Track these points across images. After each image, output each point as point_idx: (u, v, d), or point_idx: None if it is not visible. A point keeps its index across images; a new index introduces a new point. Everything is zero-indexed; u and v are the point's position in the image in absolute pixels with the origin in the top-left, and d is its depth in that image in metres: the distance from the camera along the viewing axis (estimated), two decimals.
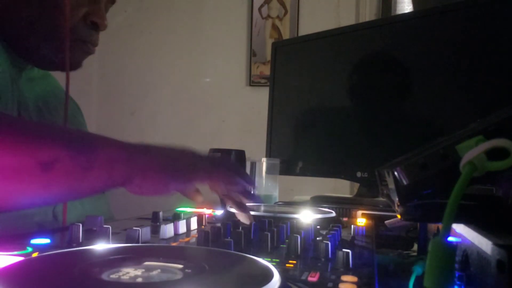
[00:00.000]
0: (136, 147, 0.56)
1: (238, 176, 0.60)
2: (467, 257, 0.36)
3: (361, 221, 0.70)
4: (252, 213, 0.65)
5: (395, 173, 0.34)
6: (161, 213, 0.67)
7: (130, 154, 0.54)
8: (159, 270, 0.31)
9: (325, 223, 0.64)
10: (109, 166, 0.52)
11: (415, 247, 0.67)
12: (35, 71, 0.84)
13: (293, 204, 0.94)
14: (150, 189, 0.54)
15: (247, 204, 0.62)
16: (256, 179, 1.01)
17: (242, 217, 0.60)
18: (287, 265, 0.40)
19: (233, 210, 0.67)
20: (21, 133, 0.50)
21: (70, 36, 0.74)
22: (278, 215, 0.66)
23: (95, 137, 0.55)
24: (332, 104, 1.08)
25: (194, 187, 0.59)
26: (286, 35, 2.38)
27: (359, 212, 0.79)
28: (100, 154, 0.52)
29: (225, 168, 0.60)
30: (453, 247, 0.26)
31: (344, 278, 0.36)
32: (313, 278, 0.35)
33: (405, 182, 0.34)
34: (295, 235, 0.45)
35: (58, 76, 0.91)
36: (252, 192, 0.63)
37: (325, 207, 0.80)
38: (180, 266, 0.32)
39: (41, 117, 0.81)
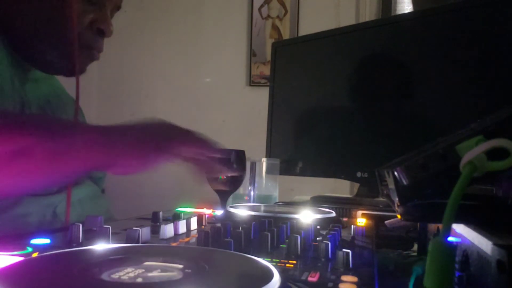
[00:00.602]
0: (115, 129, 0.58)
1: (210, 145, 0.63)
2: (467, 257, 0.36)
3: (361, 221, 0.70)
4: (252, 213, 0.65)
5: (395, 173, 0.34)
6: (161, 213, 0.67)
7: (108, 137, 0.56)
8: (159, 270, 0.31)
9: (325, 223, 0.64)
10: (87, 151, 0.54)
11: (415, 247, 0.67)
12: (38, 72, 0.84)
13: (293, 204, 0.94)
14: (137, 167, 0.55)
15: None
16: (256, 179, 1.01)
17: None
18: (287, 265, 0.40)
19: (233, 210, 0.67)
20: None
21: (76, 42, 0.74)
22: (278, 215, 0.66)
23: (73, 124, 0.57)
24: (332, 104, 1.08)
25: (180, 156, 0.61)
26: (286, 35, 2.38)
27: (359, 212, 0.79)
28: (78, 140, 0.53)
29: (201, 136, 0.63)
30: (453, 247, 0.26)
31: (344, 278, 0.36)
32: (313, 278, 0.35)
33: (405, 182, 0.34)
34: (295, 235, 0.45)
35: (62, 79, 0.91)
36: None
37: (325, 207, 0.80)
38: (180, 266, 0.32)
39: None
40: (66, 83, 0.89)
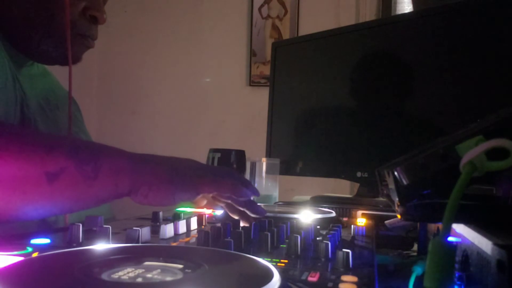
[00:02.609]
0: (142, 157, 0.56)
1: (243, 186, 0.60)
2: (467, 257, 0.36)
3: (361, 221, 0.70)
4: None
5: (395, 173, 0.34)
6: (161, 213, 0.67)
7: (135, 163, 0.54)
8: (159, 270, 0.31)
9: (325, 223, 0.64)
10: (114, 176, 0.51)
11: (415, 247, 0.67)
12: (34, 68, 0.84)
13: (293, 204, 0.94)
14: (156, 199, 0.53)
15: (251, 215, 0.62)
16: (256, 179, 1.01)
17: (244, 222, 0.60)
18: (287, 265, 0.40)
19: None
20: (28, 143, 0.49)
21: (70, 30, 0.74)
22: (278, 215, 0.66)
23: (100, 147, 0.54)
24: (332, 104, 1.08)
25: (199, 196, 0.59)
26: (286, 35, 2.38)
27: (359, 212, 0.79)
28: (105, 163, 0.51)
29: (230, 179, 0.59)
30: (453, 247, 0.26)
31: (344, 278, 0.36)
32: (313, 278, 0.35)
33: (405, 182, 0.34)
34: (295, 235, 0.45)
35: (58, 74, 0.91)
36: (256, 203, 0.62)
37: (325, 207, 0.80)
38: (180, 266, 0.32)
39: (43, 115, 0.82)
40: (63, 79, 0.88)
